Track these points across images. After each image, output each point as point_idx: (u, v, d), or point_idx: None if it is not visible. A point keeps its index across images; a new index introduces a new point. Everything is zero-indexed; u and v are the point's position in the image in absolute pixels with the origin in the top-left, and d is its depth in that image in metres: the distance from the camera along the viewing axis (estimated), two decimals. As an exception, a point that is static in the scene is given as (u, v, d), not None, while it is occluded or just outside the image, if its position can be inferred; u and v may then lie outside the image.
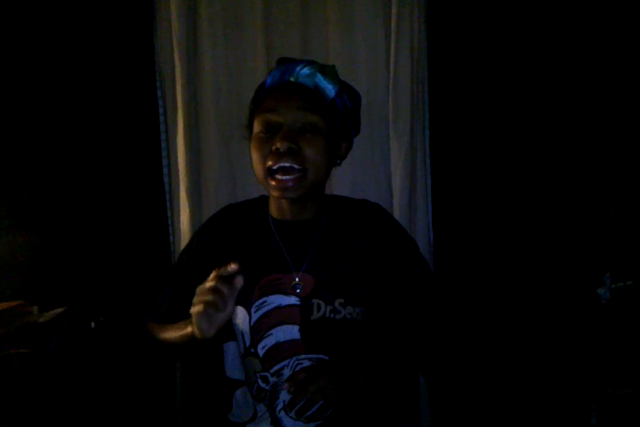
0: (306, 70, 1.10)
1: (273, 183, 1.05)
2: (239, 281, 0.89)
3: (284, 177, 1.04)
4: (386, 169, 1.69)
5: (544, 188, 1.69)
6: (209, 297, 0.88)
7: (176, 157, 1.69)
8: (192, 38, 1.67)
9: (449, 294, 1.25)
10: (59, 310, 1.53)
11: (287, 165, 1.03)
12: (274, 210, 1.18)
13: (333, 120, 1.11)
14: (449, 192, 1.71)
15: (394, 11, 1.61)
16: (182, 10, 1.62)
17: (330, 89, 1.10)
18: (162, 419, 1.67)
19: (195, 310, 0.90)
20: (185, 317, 0.98)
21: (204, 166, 1.72)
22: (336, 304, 1.10)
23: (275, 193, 1.08)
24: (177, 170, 1.69)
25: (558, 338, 1.63)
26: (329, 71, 1.12)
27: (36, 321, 1.46)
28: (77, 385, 1.41)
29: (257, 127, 1.09)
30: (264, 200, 1.22)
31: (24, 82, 1.68)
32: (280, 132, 1.05)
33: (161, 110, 1.72)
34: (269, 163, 1.04)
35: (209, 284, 0.89)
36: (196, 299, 0.91)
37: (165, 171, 1.74)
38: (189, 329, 0.96)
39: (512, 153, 1.69)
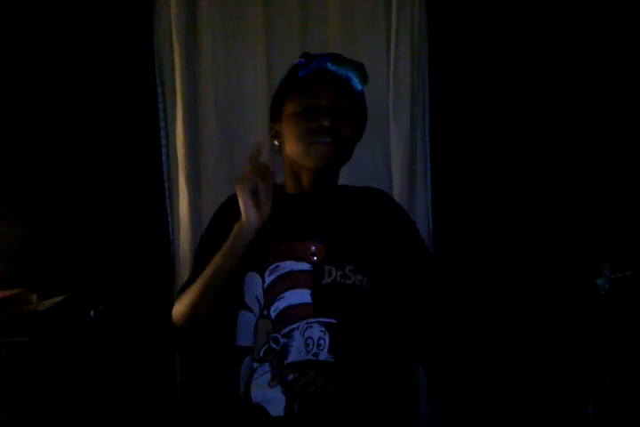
0: (344, 64, 1.24)
1: (314, 151, 1.17)
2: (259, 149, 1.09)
3: (324, 148, 1.18)
4: (386, 160, 1.69)
5: (543, 178, 1.68)
6: (256, 179, 1.04)
7: (175, 145, 1.69)
8: (191, 25, 1.66)
9: (447, 279, 1.27)
10: (58, 299, 1.54)
11: (328, 140, 1.17)
12: (290, 186, 1.28)
13: (358, 107, 1.27)
14: (449, 183, 1.72)
15: (394, 8, 1.61)
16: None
17: (357, 82, 1.26)
18: (161, 407, 1.68)
19: (243, 184, 1.05)
20: None
21: (203, 154, 1.71)
22: (346, 270, 1.17)
23: (312, 162, 1.19)
24: (176, 158, 1.69)
25: (557, 328, 1.64)
26: (359, 67, 1.26)
27: (36, 309, 1.47)
28: (76, 373, 1.42)
29: (294, 108, 1.22)
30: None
31: (24, 69, 1.68)
32: (323, 113, 1.18)
33: (160, 99, 1.72)
34: (312, 137, 1.17)
35: (250, 169, 1.07)
36: (242, 179, 1.06)
37: (164, 159, 1.74)
38: (233, 231, 1.09)
39: (511, 143, 1.69)
